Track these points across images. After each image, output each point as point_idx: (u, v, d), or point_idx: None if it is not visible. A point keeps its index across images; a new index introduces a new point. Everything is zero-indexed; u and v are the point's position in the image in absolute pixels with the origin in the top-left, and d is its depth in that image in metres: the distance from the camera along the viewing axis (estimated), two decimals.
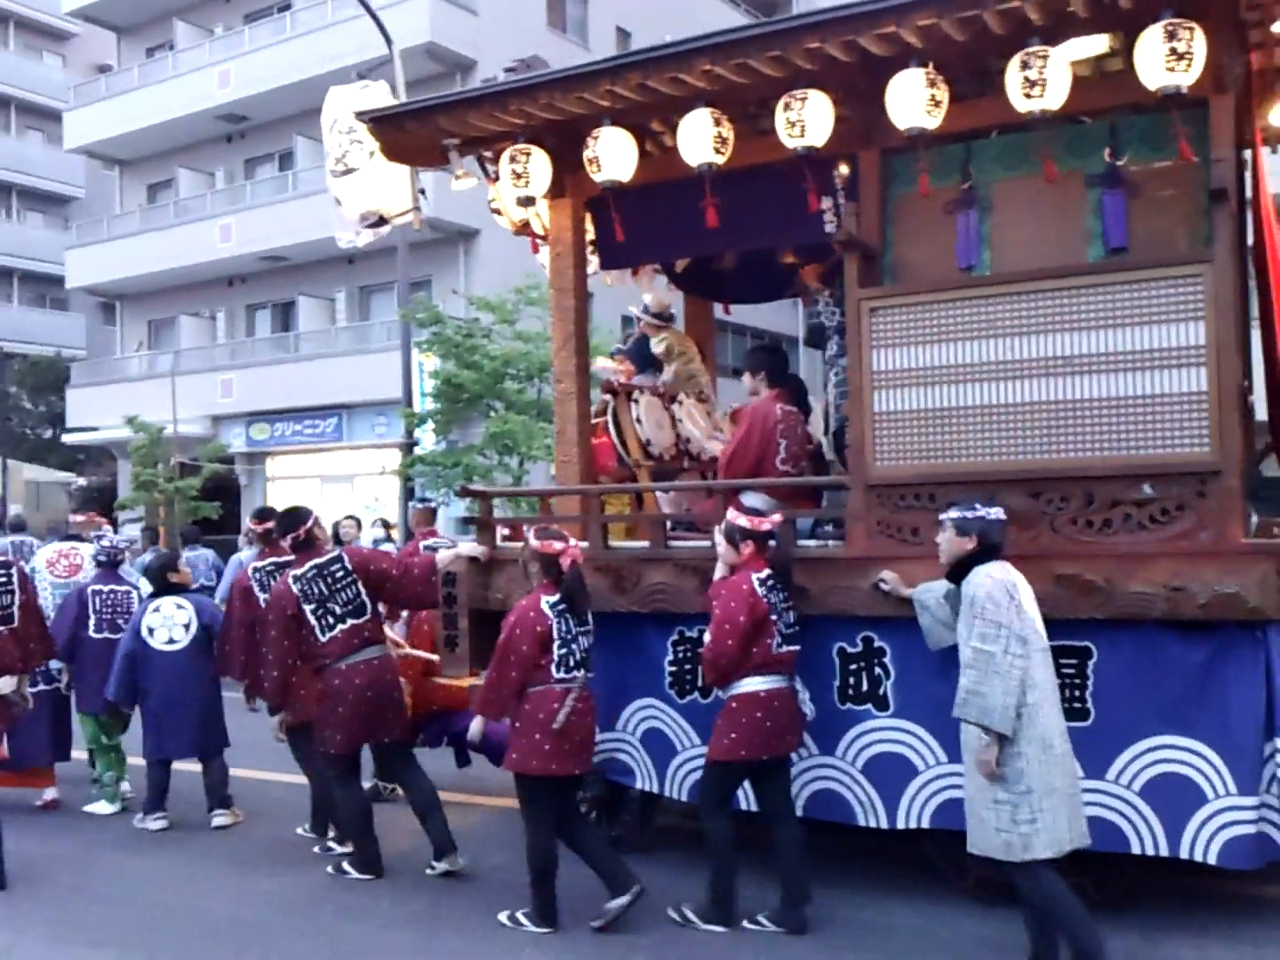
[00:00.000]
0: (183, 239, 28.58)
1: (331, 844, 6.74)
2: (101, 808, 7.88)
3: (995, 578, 4.61)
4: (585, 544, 6.05)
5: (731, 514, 5.38)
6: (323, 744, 6.25)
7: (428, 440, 19.27)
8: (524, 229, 6.80)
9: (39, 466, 31.01)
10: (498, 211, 6.66)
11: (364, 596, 6.18)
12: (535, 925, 5.38)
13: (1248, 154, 6.09)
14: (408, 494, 17.53)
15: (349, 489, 25.83)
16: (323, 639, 6.07)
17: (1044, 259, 5.51)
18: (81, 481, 31.51)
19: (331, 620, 6.07)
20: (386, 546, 11.26)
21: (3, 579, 6.55)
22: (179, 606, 7.48)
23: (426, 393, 19.21)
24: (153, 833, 7.24)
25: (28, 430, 36.03)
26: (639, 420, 6.54)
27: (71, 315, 41.36)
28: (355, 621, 6.13)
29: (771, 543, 5.37)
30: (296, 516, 6.39)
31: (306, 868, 6.49)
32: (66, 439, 33.02)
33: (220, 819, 7.35)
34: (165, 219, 30.05)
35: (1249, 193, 5.94)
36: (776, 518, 5.38)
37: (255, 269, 28.54)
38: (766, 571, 5.30)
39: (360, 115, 6.20)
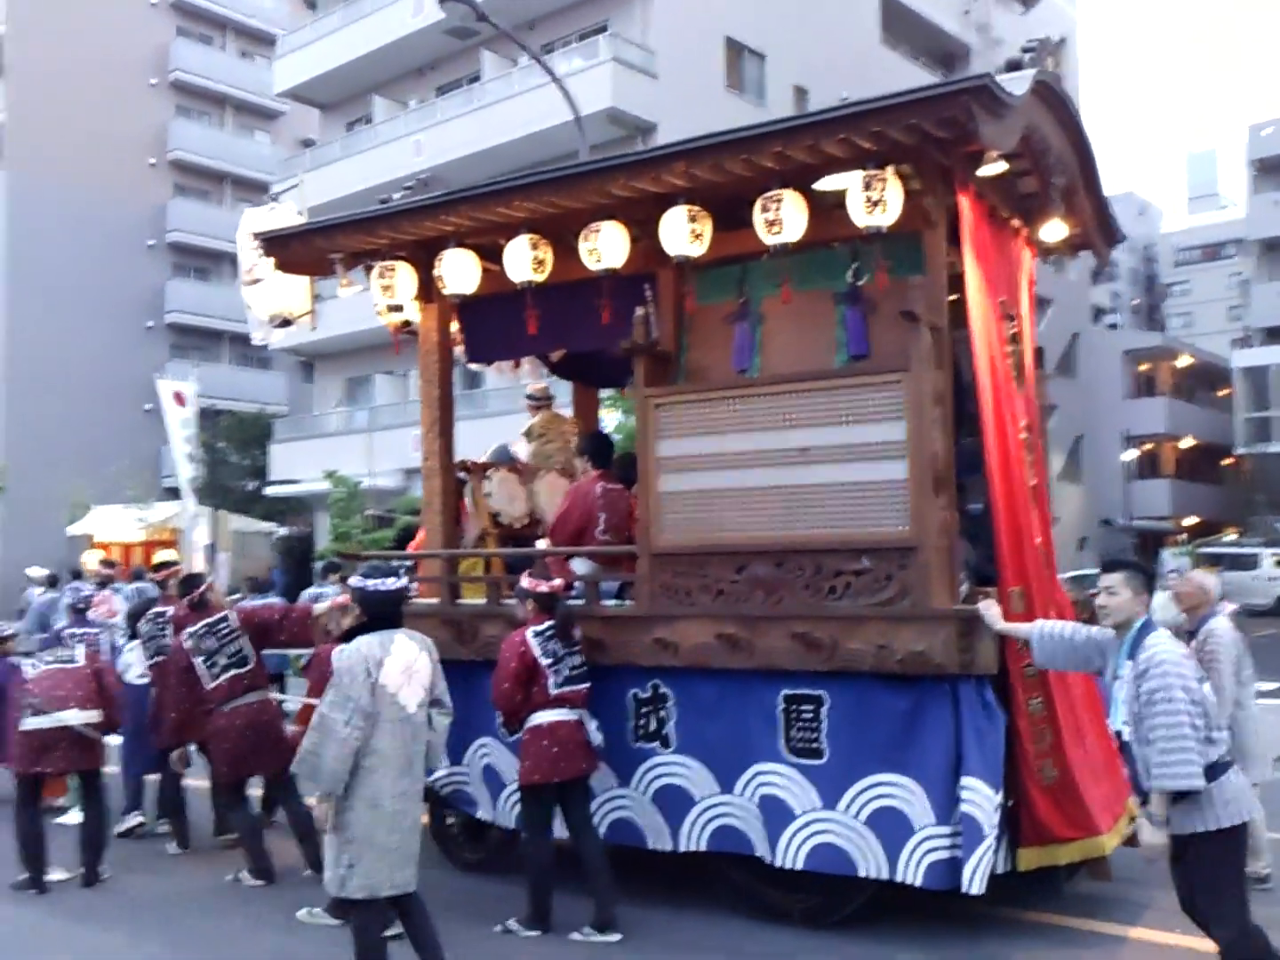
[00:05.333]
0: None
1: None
2: (73, 817, 9.81)
3: (361, 653, 5.52)
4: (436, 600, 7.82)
5: (522, 578, 7.05)
6: (213, 775, 8.06)
7: None
8: (404, 328, 8.56)
9: (244, 517, 34.40)
10: (380, 314, 8.40)
11: (247, 650, 8.00)
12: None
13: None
14: None
15: None
16: (209, 685, 7.89)
17: (802, 364, 7.13)
18: (282, 532, 34.70)
19: (218, 670, 7.90)
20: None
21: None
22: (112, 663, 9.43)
23: None
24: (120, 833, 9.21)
25: (234, 483, 40.50)
26: (489, 494, 8.26)
27: (274, 374, 47.98)
28: (238, 671, 7.96)
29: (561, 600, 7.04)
30: (194, 581, 8.34)
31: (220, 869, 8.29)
32: (269, 491, 37.43)
33: (164, 826, 9.25)
34: (361, 284, 33.14)
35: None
36: (557, 583, 7.03)
37: None
38: (547, 624, 6.93)
39: (255, 235, 8.11)
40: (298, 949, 6.87)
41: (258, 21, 50.27)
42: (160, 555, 10.98)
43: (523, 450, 9.25)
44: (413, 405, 32.60)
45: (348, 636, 5.76)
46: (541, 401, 9.53)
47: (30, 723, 7.79)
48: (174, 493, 31.49)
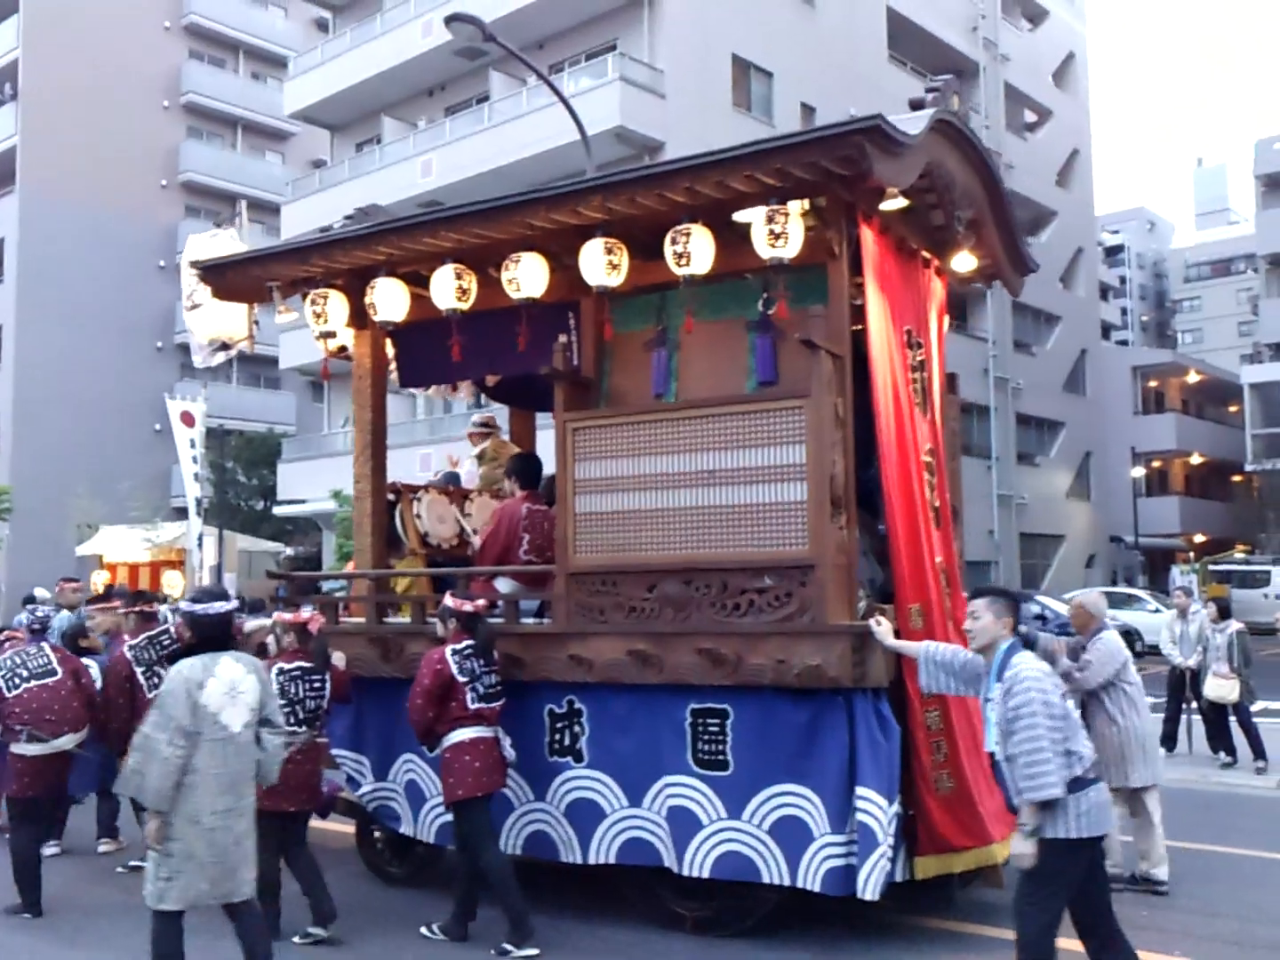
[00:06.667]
0: None
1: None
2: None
3: (183, 675, 5.70)
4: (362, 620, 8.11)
5: (446, 598, 7.31)
6: None
7: None
8: (339, 353, 8.87)
9: (251, 537, 35.05)
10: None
11: None
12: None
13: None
14: None
15: None
16: (149, 695, 8.13)
17: (715, 390, 7.42)
18: (289, 551, 35.06)
19: (156, 681, 8.16)
20: None
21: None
22: (87, 666, 9.66)
23: None
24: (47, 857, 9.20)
25: (242, 502, 41.36)
26: (419, 516, 8.57)
27: (283, 394, 48.75)
28: None
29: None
30: (142, 597, 8.65)
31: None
32: (277, 511, 37.91)
33: (104, 846, 9.56)
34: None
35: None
36: (481, 602, 7.29)
37: None
38: (466, 643, 7.20)
39: (192, 264, 8.44)
40: None
41: (269, 43, 51.30)
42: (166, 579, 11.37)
43: (466, 471, 9.57)
44: (419, 425, 33.27)
45: (174, 658, 5.97)
46: (488, 429, 9.88)
47: (28, 749, 7.92)
48: (184, 512, 32.13)
